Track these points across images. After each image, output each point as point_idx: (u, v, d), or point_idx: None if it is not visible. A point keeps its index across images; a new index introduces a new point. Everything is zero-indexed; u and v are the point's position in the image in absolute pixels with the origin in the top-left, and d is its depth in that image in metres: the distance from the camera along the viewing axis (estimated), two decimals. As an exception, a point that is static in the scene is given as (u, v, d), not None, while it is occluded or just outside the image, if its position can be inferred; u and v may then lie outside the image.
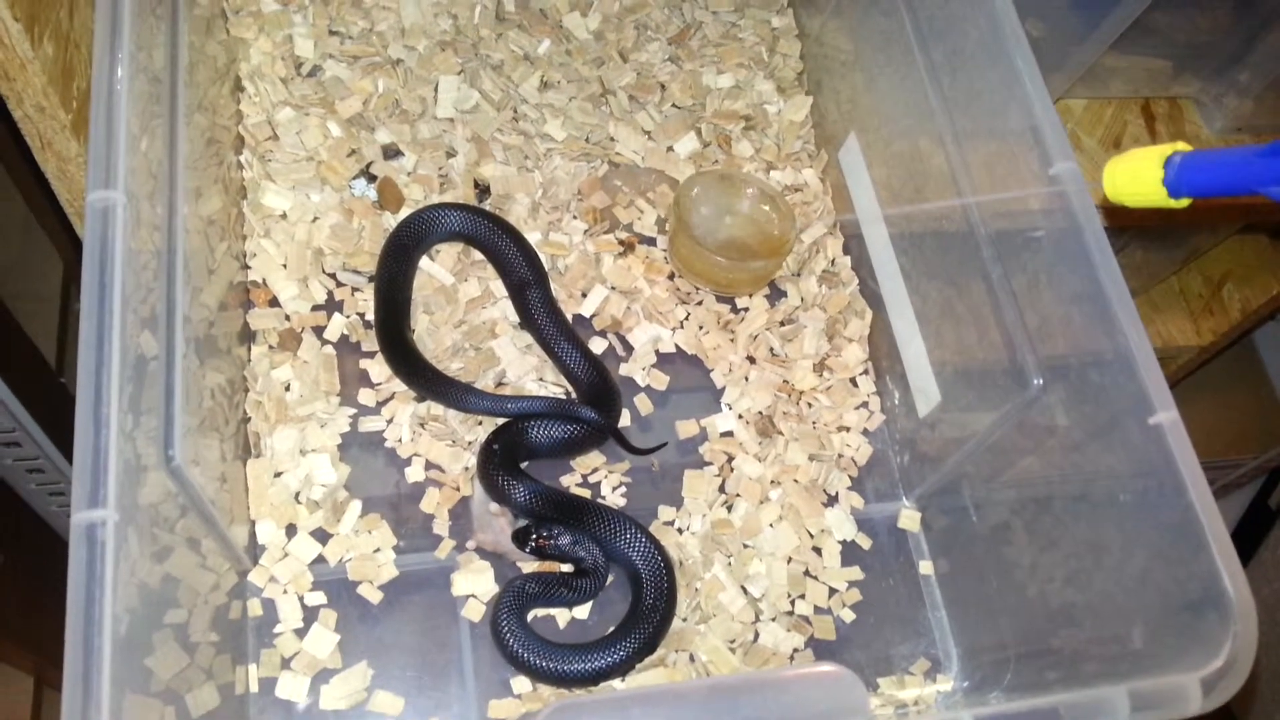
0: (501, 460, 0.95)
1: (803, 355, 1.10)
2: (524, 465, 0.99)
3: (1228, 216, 1.50)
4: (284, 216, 1.06)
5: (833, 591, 1.00)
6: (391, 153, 1.12)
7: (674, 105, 1.22)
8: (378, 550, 0.94)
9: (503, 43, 1.20)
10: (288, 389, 0.98)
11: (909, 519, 1.06)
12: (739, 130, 1.22)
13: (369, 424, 0.99)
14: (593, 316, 1.09)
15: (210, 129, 0.97)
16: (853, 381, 1.11)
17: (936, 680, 0.99)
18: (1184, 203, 0.71)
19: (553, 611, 0.94)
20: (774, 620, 0.97)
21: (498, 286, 1.08)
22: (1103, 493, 0.84)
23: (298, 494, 0.94)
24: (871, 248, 1.12)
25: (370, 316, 1.03)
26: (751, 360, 1.10)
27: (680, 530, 1.00)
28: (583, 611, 0.95)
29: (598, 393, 1.01)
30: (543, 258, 1.08)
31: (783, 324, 1.12)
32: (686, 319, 1.11)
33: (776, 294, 1.15)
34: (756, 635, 0.96)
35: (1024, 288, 0.90)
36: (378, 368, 1.01)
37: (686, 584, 0.96)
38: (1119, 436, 0.81)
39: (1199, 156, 0.70)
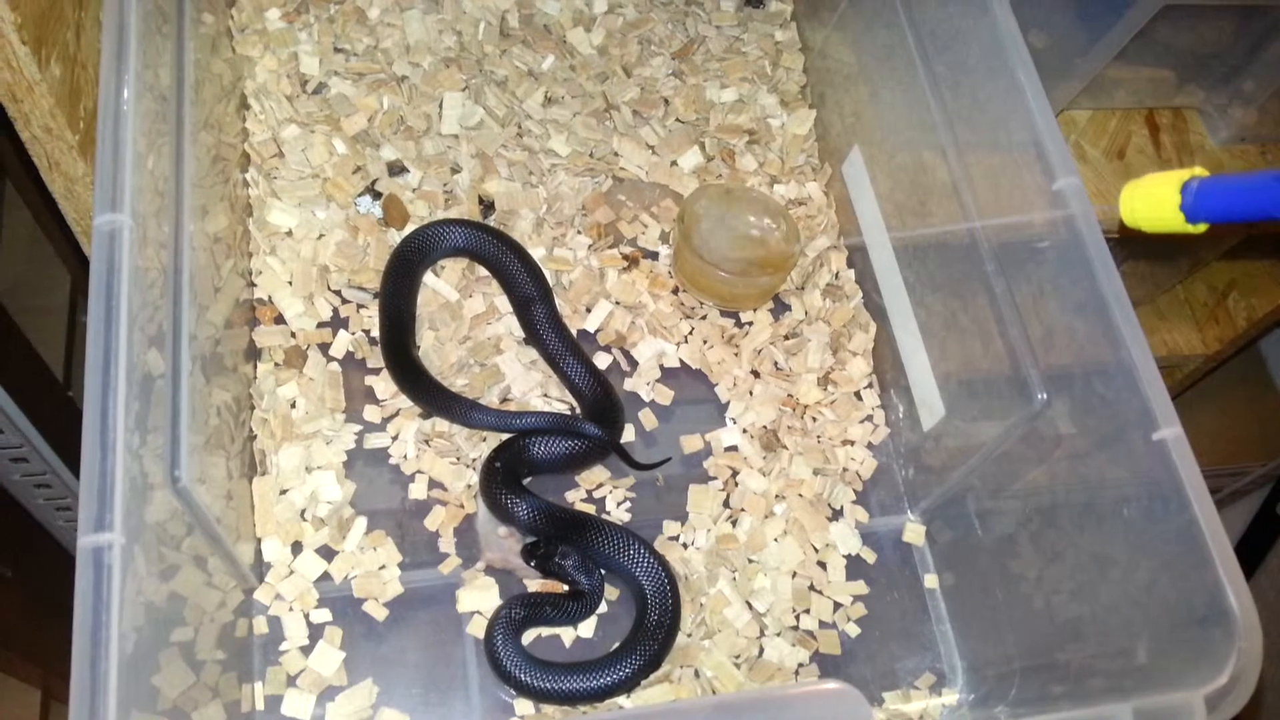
0: (504, 478, 0.96)
1: (807, 369, 1.10)
2: (527, 481, 0.99)
3: (1232, 227, 1.49)
4: (290, 234, 1.06)
5: (838, 606, 1.00)
6: (396, 169, 1.12)
7: (678, 120, 1.23)
8: (383, 567, 0.94)
9: (507, 59, 1.21)
10: (293, 406, 0.99)
11: (914, 532, 1.06)
12: (743, 144, 1.22)
13: (374, 440, 0.99)
14: (597, 331, 1.09)
15: (216, 147, 0.97)
16: (857, 395, 1.11)
17: (942, 694, 0.98)
18: (1201, 228, 0.70)
19: (558, 630, 0.94)
20: (779, 635, 0.97)
21: (502, 302, 1.08)
22: (1108, 506, 0.84)
23: (303, 511, 0.94)
24: (875, 261, 1.12)
25: (375, 333, 1.03)
26: (756, 374, 1.10)
27: (685, 545, 1.00)
28: (588, 629, 0.95)
29: (601, 408, 1.01)
30: (547, 273, 1.08)
31: (787, 338, 1.12)
32: (691, 333, 1.11)
33: (781, 308, 1.15)
34: (761, 650, 0.96)
35: (1028, 300, 0.90)
36: (383, 384, 1.02)
37: (691, 599, 0.97)
38: (1123, 450, 0.81)
39: (1216, 181, 0.69)
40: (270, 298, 1.03)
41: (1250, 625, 0.70)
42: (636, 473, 1.02)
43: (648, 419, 1.06)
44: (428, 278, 1.07)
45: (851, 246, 1.19)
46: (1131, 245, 1.57)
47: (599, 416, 1.00)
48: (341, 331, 1.03)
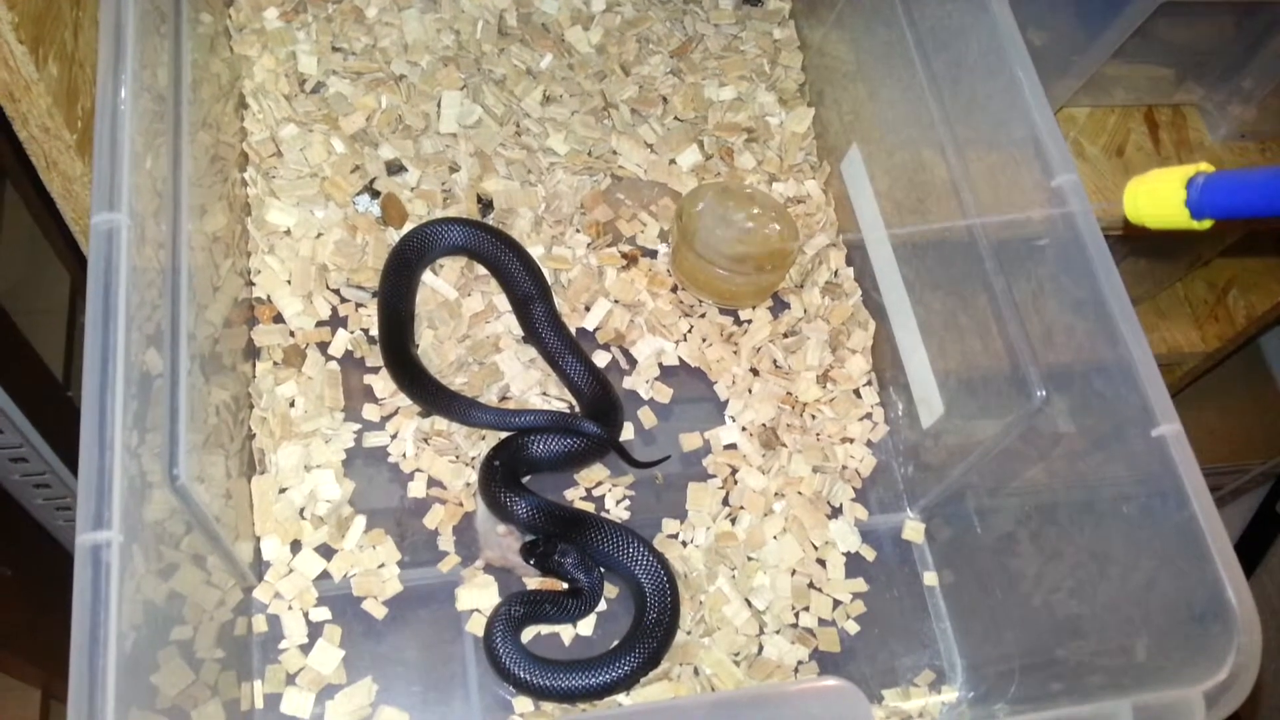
0: (503, 476, 0.96)
1: (806, 367, 1.10)
2: (526, 479, 0.99)
3: (1233, 223, 1.49)
4: (288, 233, 1.06)
5: (837, 603, 1.00)
6: (395, 168, 1.12)
7: (676, 118, 1.23)
8: (382, 565, 0.94)
9: (505, 58, 1.21)
10: (292, 405, 0.99)
11: (913, 530, 1.06)
12: (741, 142, 1.22)
13: (373, 439, 0.99)
14: (596, 330, 1.09)
15: (215, 146, 0.97)
16: (856, 393, 1.11)
17: (941, 692, 0.98)
18: (1206, 224, 0.69)
19: (557, 626, 0.94)
20: (778, 633, 0.97)
21: (501, 301, 1.08)
22: (1107, 503, 0.84)
23: (302, 510, 0.94)
24: (874, 259, 1.12)
25: (374, 332, 1.03)
26: (755, 372, 1.10)
27: (684, 543, 1.00)
28: (587, 628, 0.95)
29: (600, 406, 1.01)
30: (546, 271, 1.08)
31: (786, 336, 1.12)
32: (690, 331, 1.11)
33: (780, 306, 1.15)
34: (761, 648, 0.96)
35: (1026, 298, 0.90)
36: (382, 383, 1.02)
37: (691, 597, 0.97)
38: (1122, 447, 0.81)
39: (1223, 177, 0.68)
40: (269, 297, 1.03)
41: (1249, 621, 0.70)
42: (636, 471, 1.02)
43: (647, 417, 1.06)
44: (426, 276, 1.07)
45: (850, 244, 1.19)
46: (1131, 242, 1.57)
47: (598, 414, 1.00)
48: (340, 330, 1.03)
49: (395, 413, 1.01)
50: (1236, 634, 0.70)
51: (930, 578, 1.04)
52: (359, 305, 1.05)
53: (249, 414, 0.97)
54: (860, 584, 1.01)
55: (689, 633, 0.95)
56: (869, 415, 1.11)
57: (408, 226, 1.08)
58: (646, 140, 1.20)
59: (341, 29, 1.18)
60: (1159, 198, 0.71)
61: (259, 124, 1.10)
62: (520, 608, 0.91)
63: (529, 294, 1.05)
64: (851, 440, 1.09)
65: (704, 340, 1.11)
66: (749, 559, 1.00)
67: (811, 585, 1.00)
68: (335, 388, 1.00)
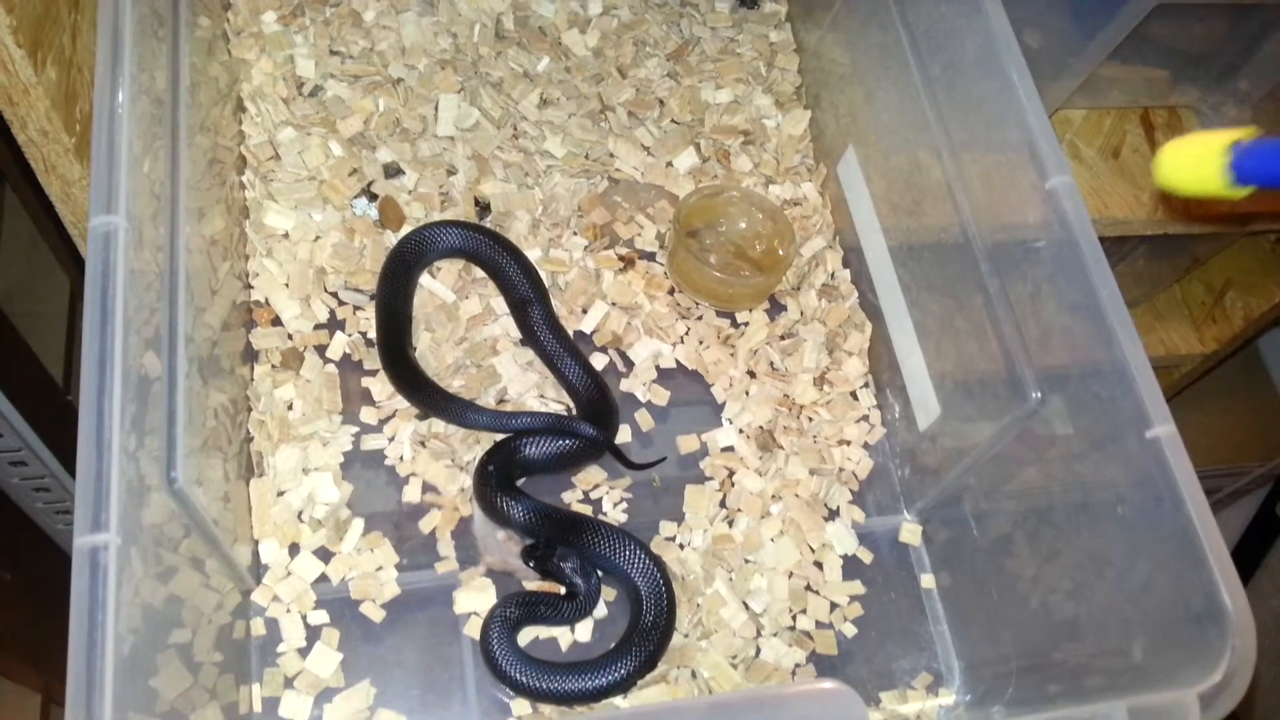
0: (498, 480, 0.96)
1: (803, 369, 1.10)
2: (521, 482, 0.99)
3: (1232, 222, 1.49)
4: (286, 236, 1.06)
5: (834, 606, 1.00)
6: (392, 171, 1.12)
7: (673, 121, 1.23)
8: (380, 568, 0.94)
9: (502, 61, 1.21)
10: (290, 408, 0.99)
11: (910, 532, 1.06)
12: (738, 145, 1.23)
13: (371, 442, 1.00)
14: (593, 332, 1.09)
15: (212, 149, 0.97)
16: (853, 395, 1.11)
17: (938, 694, 0.99)
18: (1244, 192, 0.68)
19: (554, 632, 0.94)
20: (775, 635, 0.97)
21: (499, 303, 1.08)
22: (1103, 505, 0.84)
23: (300, 513, 0.94)
24: (871, 261, 1.12)
25: (372, 335, 1.04)
26: (752, 375, 1.10)
27: (681, 545, 1.00)
28: (585, 632, 0.95)
29: (595, 408, 1.01)
30: (543, 274, 1.08)
31: (783, 338, 1.13)
32: (687, 334, 1.11)
33: (776, 308, 1.15)
34: (758, 651, 0.96)
35: (1022, 300, 0.90)
36: (380, 386, 1.02)
37: (688, 599, 0.97)
38: (1118, 449, 0.81)
39: (1267, 144, 0.67)
40: (267, 300, 1.03)
41: (1244, 623, 0.70)
42: (633, 473, 1.03)
43: (644, 419, 1.06)
44: (424, 279, 1.08)
45: (847, 247, 1.19)
46: (1128, 244, 1.58)
47: (595, 417, 1.00)
48: (338, 333, 1.03)
49: (393, 416, 1.01)
50: (1231, 636, 0.70)
51: (927, 580, 1.04)
52: (357, 308, 1.05)
53: (247, 417, 0.97)
54: (857, 586, 1.02)
55: (686, 635, 0.96)
56: (866, 417, 1.11)
57: (405, 229, 1.08)
58: (643, 143, 1.20)
59: (339, 32, 1.18)
60: (1196, 162, 0.69)
61: (257, 127, 1.11)
62: (515, 609, 0.91)
63: (526, 297, 1.05)
64: (848, 442, 1.09)
65: (701, 343, 1.11)
66: (746, 561, 1.00)
67: (809, 588, 1.01)
68: (333, 390, 1.00)
